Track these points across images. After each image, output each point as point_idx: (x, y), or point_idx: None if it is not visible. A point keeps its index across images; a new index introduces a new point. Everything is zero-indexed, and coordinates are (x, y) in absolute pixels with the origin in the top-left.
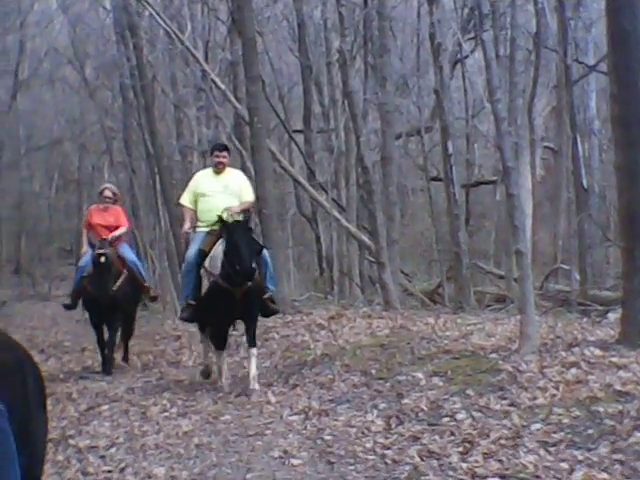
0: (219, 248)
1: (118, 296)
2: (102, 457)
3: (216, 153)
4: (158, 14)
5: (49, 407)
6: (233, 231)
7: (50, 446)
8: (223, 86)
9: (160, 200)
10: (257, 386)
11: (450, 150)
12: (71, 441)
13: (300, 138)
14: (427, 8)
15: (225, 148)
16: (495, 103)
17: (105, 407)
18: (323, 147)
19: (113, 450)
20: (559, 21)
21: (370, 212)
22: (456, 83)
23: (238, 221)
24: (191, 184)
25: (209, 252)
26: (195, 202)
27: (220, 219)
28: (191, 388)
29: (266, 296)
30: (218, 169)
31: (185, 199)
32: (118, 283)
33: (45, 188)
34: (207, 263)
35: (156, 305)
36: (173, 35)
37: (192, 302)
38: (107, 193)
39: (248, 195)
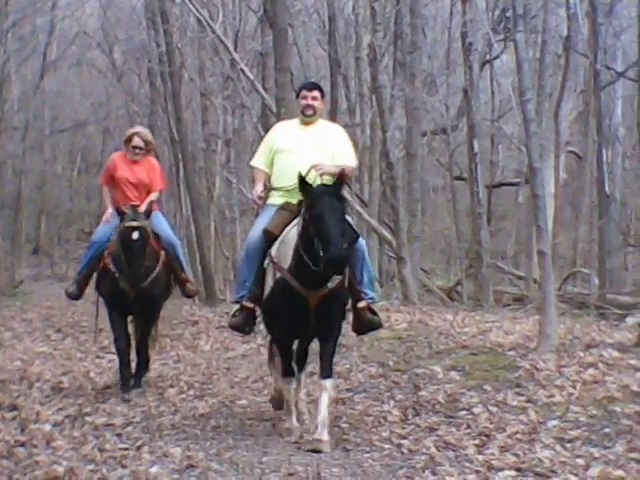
0: (293, 230)
1: (154, 289)
2: (118, 435)
3: (304, 93)
4: (190, 1)
5: (66, 385)
6: (319, 198)
7: (67, 422)
8: (252, 76)
9: (183, 187)
10: (326, 436)
11: (476, 149)
12: (87, 418)
13: None
14: (460, 7)
15: (317, 87)
16: (525, 103)
17: None
18: None
19: (129, 429)
20: (590, 26)
21: (393, 207)
22: (483, 84)
23: (327, 185)
24: (267, 138)
25: (279, 235)
26: (272, 164)
27: (301, 180)
28: (208, 372)
29: (362, 304)
30: (306, 117)
31: (258, 160)
32: (155, 272)
33: (67, 170)
34: (274, 251)
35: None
36: (204, 23)
37: (248, 304)
38: (137, 142)
39: (347, 158)
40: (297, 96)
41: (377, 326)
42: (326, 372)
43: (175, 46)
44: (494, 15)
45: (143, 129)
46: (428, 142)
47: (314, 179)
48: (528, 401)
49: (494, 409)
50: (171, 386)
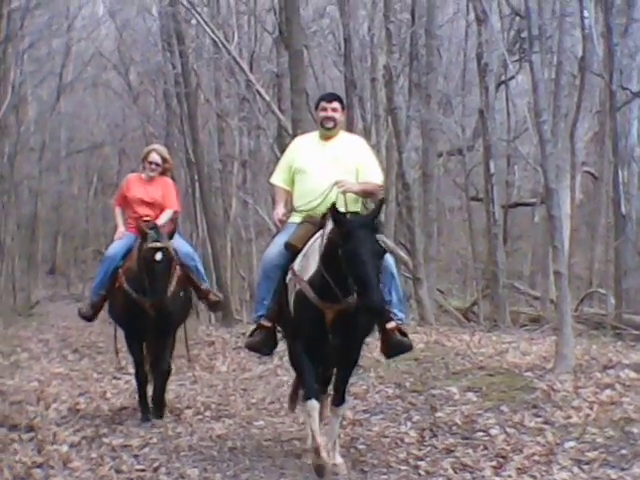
0: (316, 244)
1: (171, 306)
2: (135, 456)
3: (323, 105)
4: (205, 22)
5: (83, 405)
6: (355, 232)
7: (84, 443)
8: (268, 97)
9: (199, 207)
10: (339, 459)
11: (492, 170)
12: (104, 439)
13: None
14: (475, 28)
15: (337, 98)
16: (541, 124)
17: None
18: None
19: (146, 450)
20: (606, 47)
21: (409, 228)
22: (498, 105)
23: (362, 215)
24: (286, 155)
25: (301, 248)
26: (292, 182)
27: (333, 209)
28: (224, 393)
29: (391, 325)
30: (326, 130)
31: (277, 177)
32: (171, 287)
33: (84, 191)
34: (297, 265)
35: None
36: (220, 44)
37: (266, 323)
38: (154, 157)
39: (372, 174)
40: (316, 108)
41: (407, 349)
42: (339, 400)
43: (191, 67)
44: (509, 36)
45: (160, 147)
46: (444, 163)
47: (336, 198)
48: (545, 422)
49: (511, 430)
50: (188, 407)
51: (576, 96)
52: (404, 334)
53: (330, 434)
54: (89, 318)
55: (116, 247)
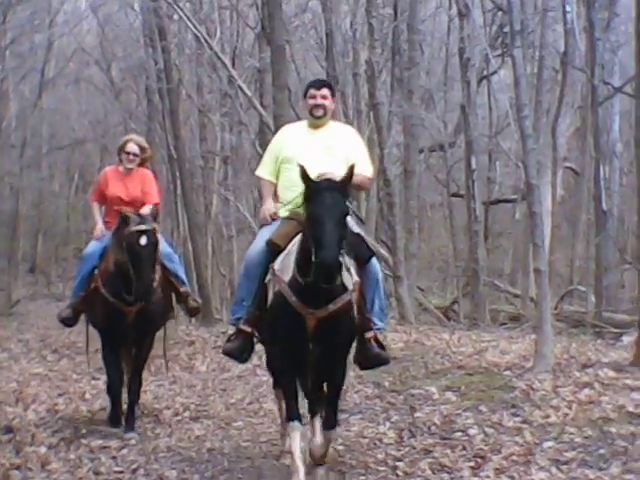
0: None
1: (152, 307)
2: (114, 458)
3: (312, 92)
4: (188, 18)
5: (62, 407)
6: (320, 193)
7: (62, 445)
8: (249, 93)
9: (180, 204)
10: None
11: (473, 166)
12: (83, 441)
13: None
14: (457, 23)
15: (326, 84)
16: (522, 120)
17: None
18: None
19: (125, 451)
20: (588, 42)
21: (390, 225)
22: (480, 100)
23: (332, 180)
24: (273, 145)
25: (284, 248)
26: (278, 174)
27: (304, 175)
28: (204, 393)
29: (369, 334)
30: (316, 118)
31: (263, 170)
32: (156, 276)
33: (65, 188)
34: (277, 264)
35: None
36: (202, 40)
37: (245, 328)
38: (131, 148)
39: (362, 166)
40: (304, 96)
41: (384, 362)
42: (331, 422)
43: (173, 63)
44: (492, 31)
45: (137, 136)
46: (425, 159)
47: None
48: (524, 422)
49: (490, 430)
50: (167, 408)
51: (558, 91)
52: (382, 346)
53: (314, 444)
54: (70, 323)
55: (94, 245)
